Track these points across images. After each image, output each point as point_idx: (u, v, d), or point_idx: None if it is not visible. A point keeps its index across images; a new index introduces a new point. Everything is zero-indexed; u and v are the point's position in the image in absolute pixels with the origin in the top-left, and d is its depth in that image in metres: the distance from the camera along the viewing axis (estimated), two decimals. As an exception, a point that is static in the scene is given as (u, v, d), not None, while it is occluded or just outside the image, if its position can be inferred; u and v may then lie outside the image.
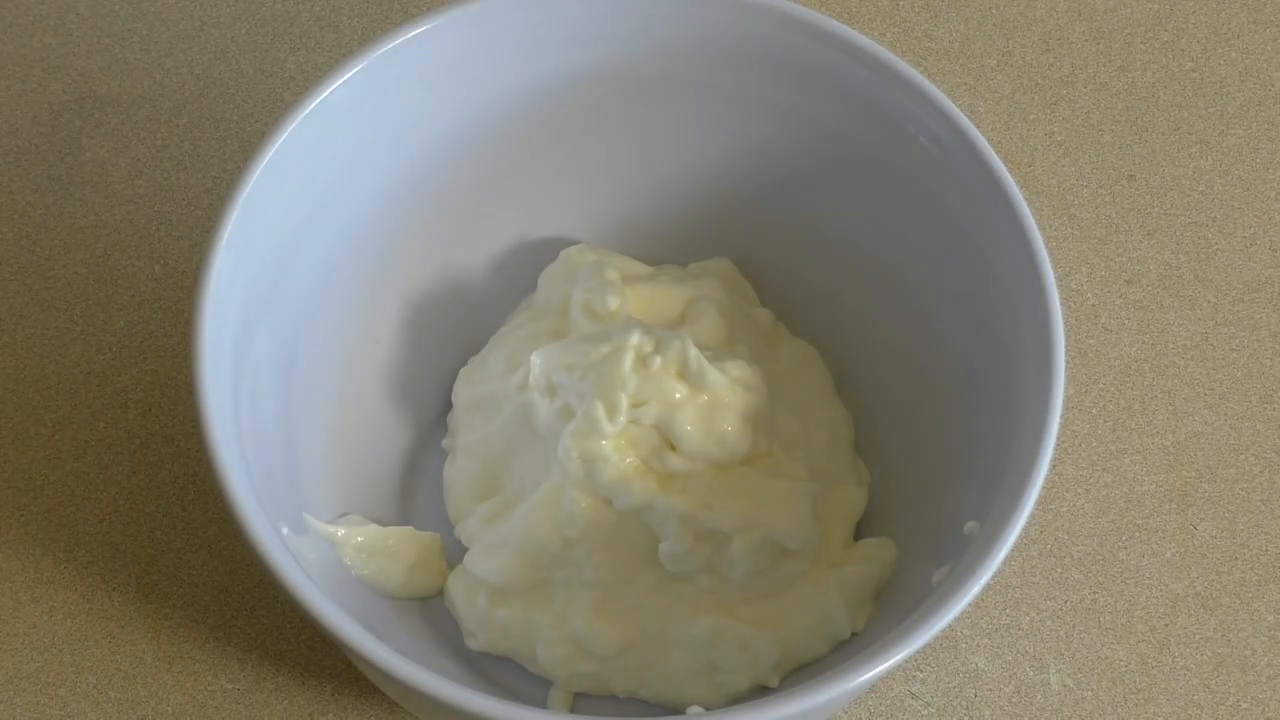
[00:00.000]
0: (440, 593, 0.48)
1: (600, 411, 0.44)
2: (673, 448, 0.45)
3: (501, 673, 0.47)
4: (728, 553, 0.45)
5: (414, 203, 0.49)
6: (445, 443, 0.50)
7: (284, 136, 0.43)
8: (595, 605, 0.45)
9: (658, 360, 0.45)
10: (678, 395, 0.45)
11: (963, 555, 0.40)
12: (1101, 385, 0.56)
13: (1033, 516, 0.40)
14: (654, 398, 0.45)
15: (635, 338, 0.45)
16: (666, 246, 0.52)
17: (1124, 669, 0.51)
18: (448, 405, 0.51)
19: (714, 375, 0.45)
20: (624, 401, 0.44)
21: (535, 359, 0.46)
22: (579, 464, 0.44)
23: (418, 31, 0.45)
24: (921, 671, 0.51)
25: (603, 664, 0.45)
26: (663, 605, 0.45)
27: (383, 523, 0.48)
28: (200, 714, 0.49)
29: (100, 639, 0.50)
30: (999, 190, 0.44)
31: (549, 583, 0.46)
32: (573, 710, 0.46)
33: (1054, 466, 0.54)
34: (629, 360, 0.45)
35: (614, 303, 0.48)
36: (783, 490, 0.46)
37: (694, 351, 0.45)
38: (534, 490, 0.46)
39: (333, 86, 0.44)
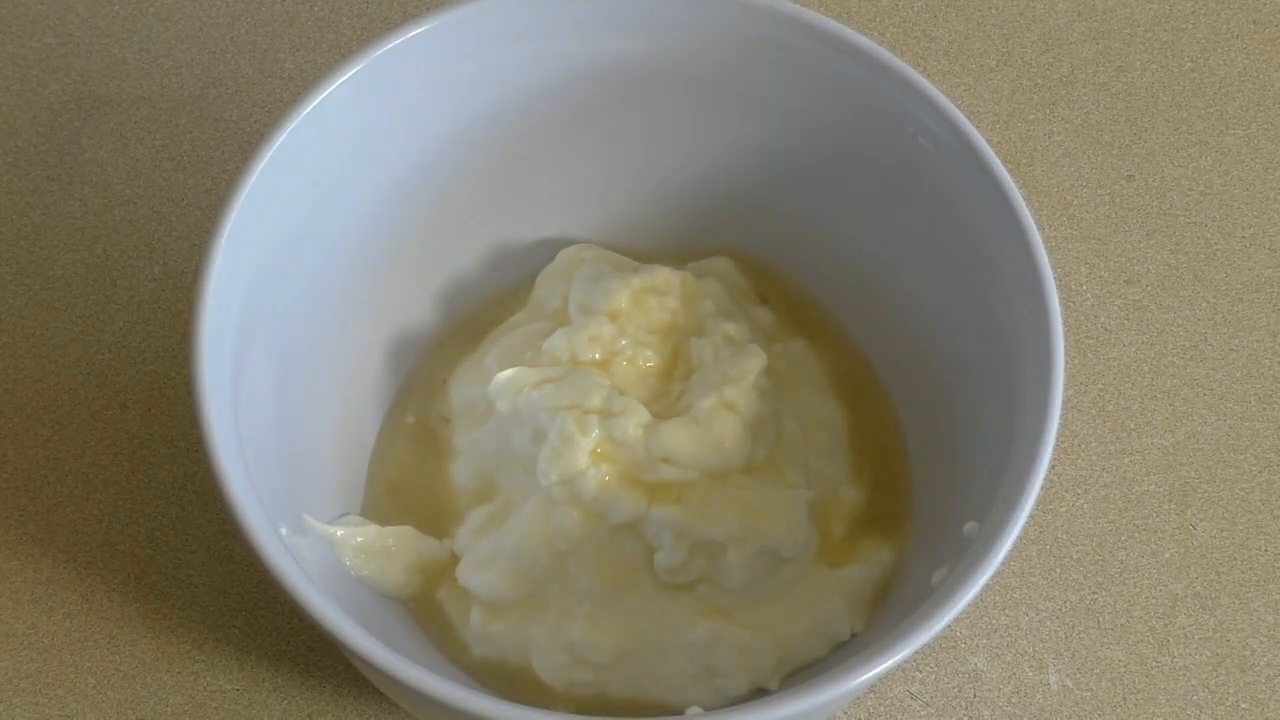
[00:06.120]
0: (440, 593, 0.48)
1: (572, 427, 0.44)
2: (665, 458, 0.45)
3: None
4: (724, 562, 0.45)
5: (413, 202, 0.49)
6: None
7: (284, 136, 0.43)
8: (590, 614, 0.45)
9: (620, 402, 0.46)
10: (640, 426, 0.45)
11: (962, 556, 0.40)
12: (1101, 385, 0.56)
13: (1032, 516, 0.40)
14: (627, 415, 0.45)
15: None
16: (666, 246, 0.52)
17: (1123, 669, 0.51)
18: (447, 405, 0.51)
19: (667, 432, 0.45)
20: (594, 419, 0.44)
21: (498, 386, 0.46)
22: (561, 486, 0.45)
23: (418, 31, 0.45)
24: (921, 672, 0.51)
25: (600, 672, 0.45)
26: (659, 612, 0.45)
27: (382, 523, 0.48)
28: (199, 714, 0.49)
29: (100, 639, 0.50)
30: (999, 190, 0.44)
31: (542, 594, 0.46)
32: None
33: (1053, 466, 0.54)
34: (596, 381, 0.45)
35: (613, 302, 0.48)
36: (778, 498, 0.46)
37: (635, 429, 0.45)
38: (528, 491, 0.46)
39: (332, 86, 0.44)
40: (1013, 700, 0.50)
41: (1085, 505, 0.54)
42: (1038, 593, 0.52)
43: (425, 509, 0.48)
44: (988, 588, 0.39)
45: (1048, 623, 0.52)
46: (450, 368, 0.51)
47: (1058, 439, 0.40)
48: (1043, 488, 0.39)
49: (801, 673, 0.46)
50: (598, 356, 0.47)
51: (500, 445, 0.47)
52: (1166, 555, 0.53)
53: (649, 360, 0.48)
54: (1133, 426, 0.55)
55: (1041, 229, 0.43)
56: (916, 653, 0.38)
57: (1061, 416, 0.40)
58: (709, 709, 0.45)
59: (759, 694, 0.45)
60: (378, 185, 0.48)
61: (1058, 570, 0.52)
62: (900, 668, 0.49)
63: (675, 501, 0.45)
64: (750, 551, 0.45)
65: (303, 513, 0.44)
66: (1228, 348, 0.57)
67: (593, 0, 0.47)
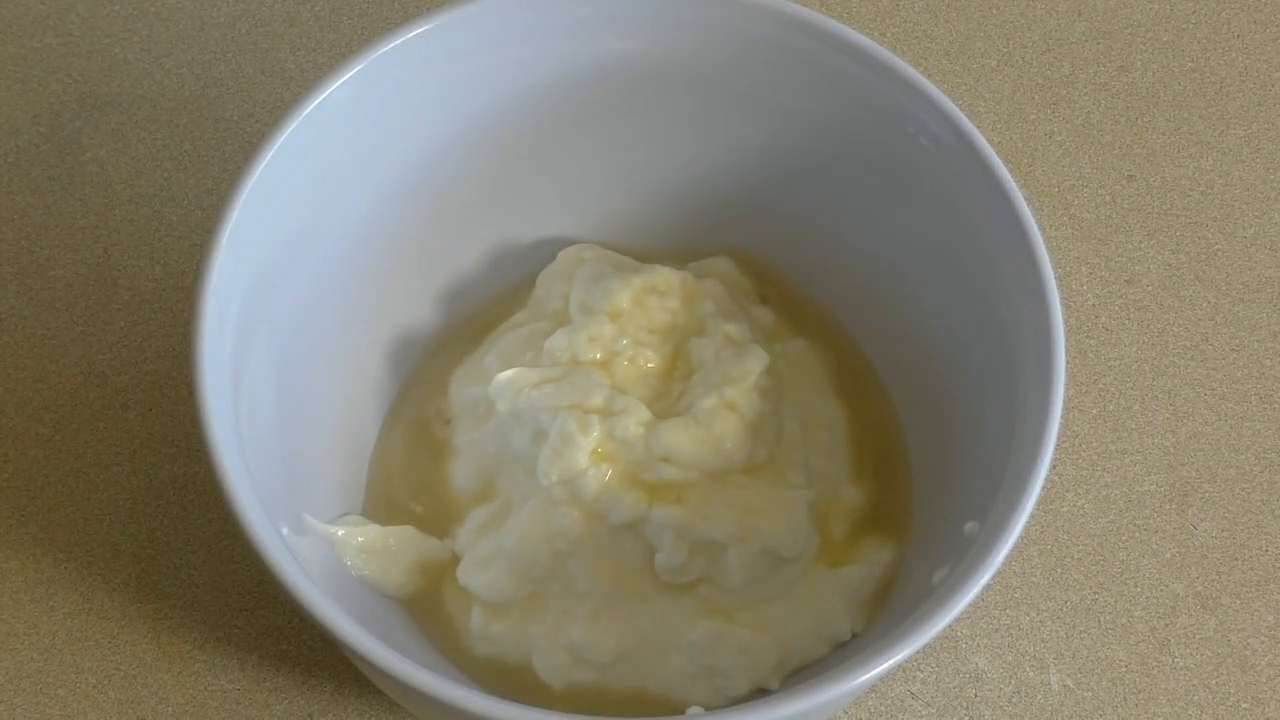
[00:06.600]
0: (440, 593, 0.48)
1: (573, 426, 0.44)
2: (666, 458, 0.45)
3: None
4: (724, 562, 0.45)
5: (413, 202, 0.49)
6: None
7: (284, 137, 0.43)
8: (590, 614, 0.45)
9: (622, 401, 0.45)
10: (640, 425, 0.45)
11: (963, 555, 0.40)
12: (1101, 385, 0.56)
13: (1033, 516, 0.40)
14: (628, 414, 0.45)
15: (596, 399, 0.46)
16: (666, 246, 0.52)
17: (1124, 669, 0.51)
18: (447, 405, 0.51)
19: (668, 431, 0.45)
20: (595, 419, 0.44)
21: (498, 387, 0.46)
22: (561, 486, 0.44)
23: (418, 31, 0.45)
24: (922, 671, 0.51)
25: (600, 672, 0.45)
26: (660, 611, 0.45)
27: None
28: (200, 714, 0.49)
29: (100, 639, 0.50)
30: (999, 190, 0.44)
31: (543, 594, 0.46)
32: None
33: (1054, 466, 0.54)
34: (595, 380, 0.45)
35: (614, 302, 0.48)
36: (778, 498, 0.46)
37: (636, 428, 0.45)
38: (528, 491, 0.46)
39: (333, 86, 0.44)
40: (1014, 700, 0.50)
41: (1086, 505, 0.54)
42: (1039, 592, 0.52)
43: (425, 509, 0.48)
44: (988, 588, 0.39)
45: (1049, 622, 0.52)
46: (451, 368, 0.51)
47: (1058, 439, 0.40)
48: (1043, 487, 0.39)
49: (802, 673, 0.46)
50: (598, 356, 0.47)
51: (500, 445, 0.47)
52: (1167, 555, 0.53)
53: (650, 360, 0.48)
54: (1134, 426, 0.55)
55: (1042, 229, 0.43)
56: (917, 653, 0.38)
57: (1062, 416, 0.40)
58: (710, 709, 0.45)
59: (759, 694, 0.45)
60: (378, 185, 0.48)
61: (1059, 570, 0.52)
62: (901, 668, 0.49)
63: (676, 501, 0.45)
64: (750, 551, 0.45)
65: (303, 512, 0.44)
66: (1229, 348, 0.57)
67: (593, 0, 0.47)
